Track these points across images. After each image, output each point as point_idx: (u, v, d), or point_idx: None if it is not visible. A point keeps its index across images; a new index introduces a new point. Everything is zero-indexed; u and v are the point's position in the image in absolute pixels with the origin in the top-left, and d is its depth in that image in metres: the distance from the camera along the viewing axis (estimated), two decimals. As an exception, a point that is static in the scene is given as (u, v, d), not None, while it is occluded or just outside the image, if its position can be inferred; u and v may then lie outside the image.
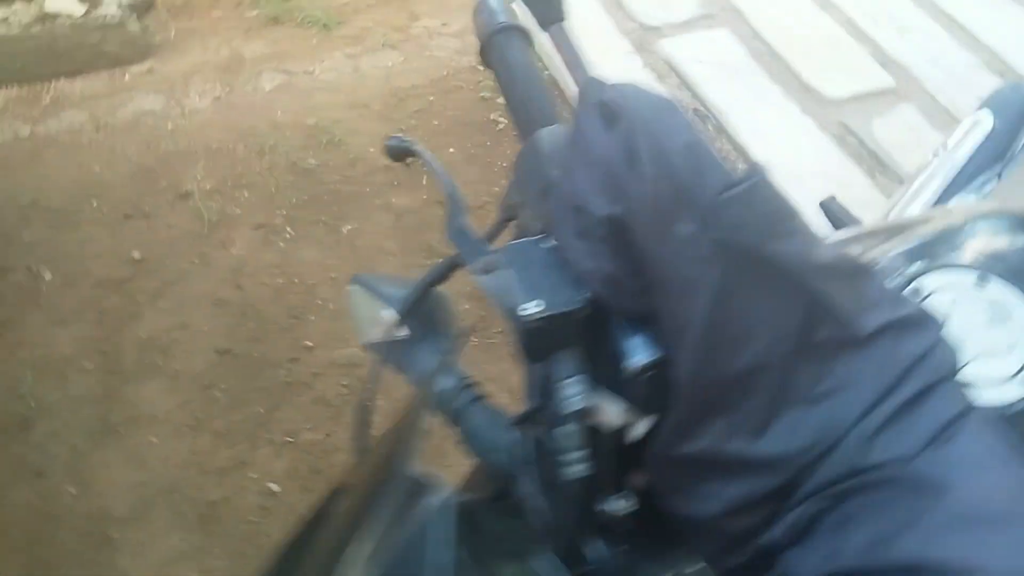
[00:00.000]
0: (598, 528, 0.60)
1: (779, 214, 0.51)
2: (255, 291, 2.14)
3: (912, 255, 0.79)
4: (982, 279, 0.75)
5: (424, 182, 2.43)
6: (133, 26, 2.80)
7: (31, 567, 1.67)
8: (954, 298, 0.74)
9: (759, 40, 2.81)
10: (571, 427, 0.54)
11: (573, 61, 0.68)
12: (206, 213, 2.31)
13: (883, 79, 2.66)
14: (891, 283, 0.65)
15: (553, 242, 0.57)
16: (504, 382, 1.80)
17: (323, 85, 2.76)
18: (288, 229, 2.30)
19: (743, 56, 2.76)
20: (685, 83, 2.67)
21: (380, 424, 0.57)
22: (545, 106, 0.66)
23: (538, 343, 0.53)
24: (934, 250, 0.80)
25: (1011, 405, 0.69)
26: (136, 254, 2.22)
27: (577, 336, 0.54)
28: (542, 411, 0.57)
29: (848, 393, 0.53)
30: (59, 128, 2.58)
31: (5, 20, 2.65)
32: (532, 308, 0.52)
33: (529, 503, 0.60)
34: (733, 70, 2.71)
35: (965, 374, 0.57)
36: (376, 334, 0.68)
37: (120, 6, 2.77)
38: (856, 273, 0.55)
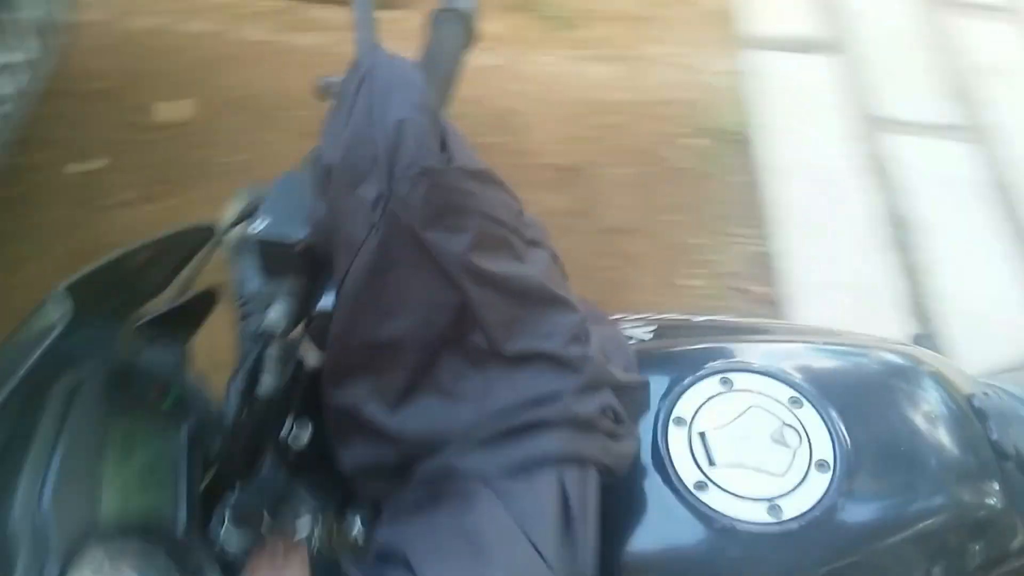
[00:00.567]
0: (276, 451, 0.65)
1: (456, 209, 0.55)
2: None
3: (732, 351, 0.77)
4: (794, 402, 0.72)
5: (577, 190, 2.40)
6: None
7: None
8: (753, 404, 0.71)
9: (1009, 168, 2.46)
10: (272, 348, 0.59)
11: (362, 28, 0.69)
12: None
13: None
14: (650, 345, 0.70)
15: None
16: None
17: (529, 76, 2.81)
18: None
19: (979, 180, 2.43)
20: (894, 187, 2.40)
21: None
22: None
23: (263, 260, 0.59)
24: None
25: (750, 522, 0.65)
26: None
27: (294, 267, 0.59)
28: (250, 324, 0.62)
29: (477, 400, 0.57)
30: (301, 44, 2.84)
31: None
32: (258, 224, 0.58)
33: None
34: (960, 191, 2.40)
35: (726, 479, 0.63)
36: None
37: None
38: (536, 299, 0.59)
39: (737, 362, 0.75)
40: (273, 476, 0.66)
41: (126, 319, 0.69)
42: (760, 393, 0.72)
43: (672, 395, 0.72)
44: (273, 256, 0.60)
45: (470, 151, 0.61)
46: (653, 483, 0.67)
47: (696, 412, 0.71)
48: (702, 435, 0.68)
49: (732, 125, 2.60)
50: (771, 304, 2.13)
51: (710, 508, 0.64)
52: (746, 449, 0.68)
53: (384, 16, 2.84)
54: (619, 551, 0.63)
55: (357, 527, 0.62)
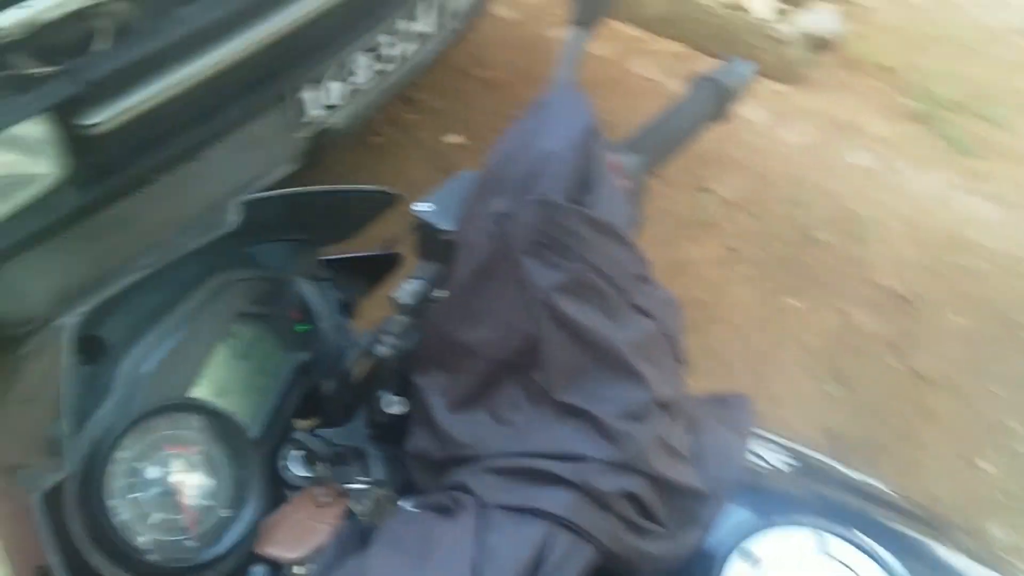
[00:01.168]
0: (369, 411, 0.71)
1: (560, 246, 0.58)
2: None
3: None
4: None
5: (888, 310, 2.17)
6: (798, 52, 2.97)
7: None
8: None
9: None
10: (398, 317, 0.67)
11: (566, 63, 0.73)
12: (710, 208, 2.44)
13: None
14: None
15: None
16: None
17: (897, 187, 2.59)
18: (736, 266, 2.29)
19: None
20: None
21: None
22: None
23: (419, 240, 0.67)
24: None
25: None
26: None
27: (438, 253, 0.65)
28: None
29: (516, 433, 0.59)
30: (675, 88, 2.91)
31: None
32: (421, 207, 0.66)
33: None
34: None
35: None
36: None
37: (801, 31, 2.95)
38: (607, 360, 0.58)
39: (847, 529, 0.66)
40: (355, 431, 0.72)
41: (304, 251, 0.77)
42: (852, 572, 0.63)
43: (754, 527, 0.66)
44: (424, 238, 0.66)
45: (620, 204, 0.63)
46: None
47: (771, 556, 0.63)
48: None
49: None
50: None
51: None
52: None
53: (775, 88, 2.77)
54: None
55: (401, 512, 0.64)
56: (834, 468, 0.80)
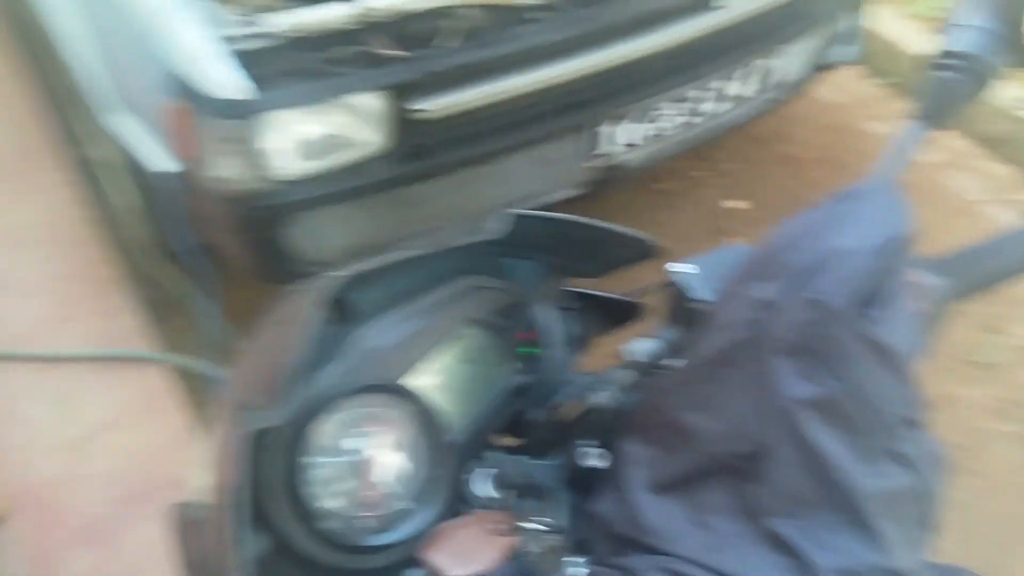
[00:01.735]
0: (568, 454, 0.68)
1: (823, 358, 0.51)
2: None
3: None
4: None
5: None
6: None
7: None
8: None
9: None
10: (628, 372, 0.66)
11: (892, 158, 0.68)
12: (995, 352, 2.17)
13: None
14: None
15: None
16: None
17: None
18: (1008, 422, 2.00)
19: None
20: None
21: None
22: None
23: (669, 300, 0.66)
24: None
25: None
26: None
27: (685, 318, 0.64)
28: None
29: (708, 540, 0.53)
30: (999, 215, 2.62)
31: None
32: (680, 268, 0.65)
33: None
34: None
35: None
36: None
37: None
38: (839, 504, 0.51)
39: None
40: (551, 470, 0.69)
41: (553, 276, 0.77)
42: None
43: None
44: (674, 300, 0.64)
45: (909, 330, 0.54)
46: None
47: None
48: None
49: None
50: None
51: None
52: None
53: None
54: None
55: (570, 571, 0.60)
56: None
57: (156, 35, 1.40)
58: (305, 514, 0.59)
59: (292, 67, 1.40)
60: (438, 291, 0.69)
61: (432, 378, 0.68)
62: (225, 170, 1.42)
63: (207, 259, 1.62)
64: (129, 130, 1.65)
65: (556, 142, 1.74)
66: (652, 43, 1.69)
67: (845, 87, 2.98)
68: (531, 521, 0.63)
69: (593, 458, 0.66)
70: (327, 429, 0.61)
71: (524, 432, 0.75)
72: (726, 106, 1.97)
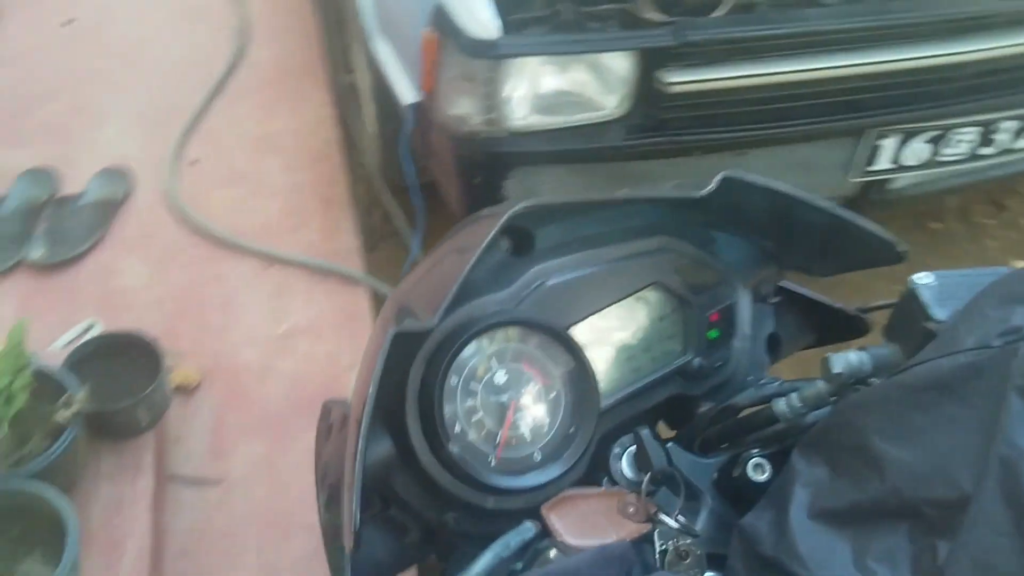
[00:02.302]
0: (732, 462, 0.61)
1: None
2: None
3: None
4: None
5: None
6: None
7: None
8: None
9: None
10: (824, 386, 0.57)
11: None
12: None
13: None
14: None
15: None
16: None
17: None
18: None
19: None
20: None
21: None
22: None
23: (897, 315, 0.58)
24: None
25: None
26: None
27: (910, 340, 0.55)
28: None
29: None
30: None
31: None
32: (922, 279, 0.56)
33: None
34: None
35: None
36: None
37: None
38: None
39: None
40: (704, 469, 0.63)
41: (767, 264, 0.69)
42: None
43: None
44: (903, 315, 0.57)
45: None
46: None
47: None
48: None
49: None
50: None
51: None
52: None
53: None
54: None
55: None
56: None
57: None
58: (433, 432, 0.57)
59: (549, 15, 1.35)
60: (630, 244, 0.64)
61: (595, 333, 0.64)
62: (460, 108, 1.41)
63: (427, 194, 1.64)
64: (385, 57, 1.69)
65: (822, 146, 1.56)
66: (963, 52, 1.44)
67: None
68: (668, 516, 0.57)
69: (755, 469, 0.59)
70: (479, 356, 0.59)
71: (684, 421, 0.68)
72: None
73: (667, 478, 0.60)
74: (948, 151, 1.61)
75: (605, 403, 0.63)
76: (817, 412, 0.58)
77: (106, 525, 1.27)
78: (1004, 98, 1.56)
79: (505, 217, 0.56)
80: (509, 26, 1.32)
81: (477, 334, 0.58)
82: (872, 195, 1.65)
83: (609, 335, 0.64)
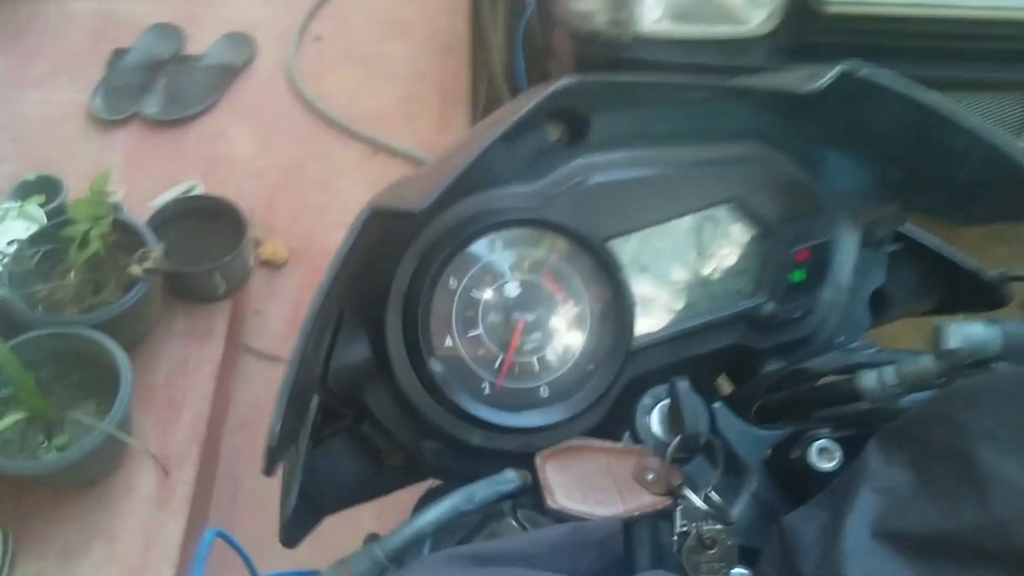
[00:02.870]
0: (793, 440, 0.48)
1: None
2: None
3: None
4: None
5: None
6: None
7: None
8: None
9: None
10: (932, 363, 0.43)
11: None
12: None
13: None
14: None
15: None
16: None
17: None
18: None
19: None
20: None
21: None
22: None
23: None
24: None
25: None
26: None
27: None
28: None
29: None
30: None
31: None
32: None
33: None
34: None
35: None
36: None
37: None
38: None
39: None
40: (757, 442, 0.49)
41: (894, 201, 0.55)
42: None
43: None
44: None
45: None
46: None
47: None
48: None
49: None
50: None
51: None
52: None
53: None
54: None
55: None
56: None
57: None
58: (415, 343, 0.47)
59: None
60: (710, 147, 0.51)
61: (642, 252, 0.51)
62: (586, 2, 1.27)
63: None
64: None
65: (996, 100, 1.32)
66: None
67: None
68: (697, 491, 0.46)
69: (820, 455, 0.46)
70: (489, 258, 0.48)
71: (744, 378, 0.56)
72: None
73: (705, 445, 0.48)
74: None
75: (639, 342, 0.51)
76: (915, 395, 0.44)
77: (168, 385, 1.28)
78: None
79: (548, 92, 0.43)
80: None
81: (487, 230, 0.47)
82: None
83: (659, 258, 0.51)
